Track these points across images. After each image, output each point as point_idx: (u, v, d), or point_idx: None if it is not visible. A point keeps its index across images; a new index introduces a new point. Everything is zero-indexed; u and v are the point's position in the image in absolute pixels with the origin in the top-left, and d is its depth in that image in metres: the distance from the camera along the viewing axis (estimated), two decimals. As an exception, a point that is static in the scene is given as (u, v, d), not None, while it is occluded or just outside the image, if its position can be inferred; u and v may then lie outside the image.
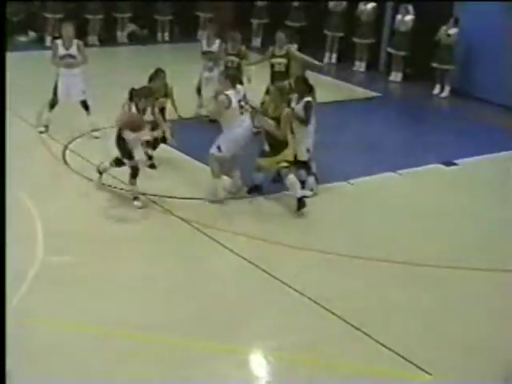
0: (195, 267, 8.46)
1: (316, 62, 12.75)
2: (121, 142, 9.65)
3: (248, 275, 8.37)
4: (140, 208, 9.61)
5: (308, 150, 10.34)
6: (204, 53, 13.34)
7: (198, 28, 20.15)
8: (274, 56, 12.39)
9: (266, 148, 9.98)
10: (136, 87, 9.99)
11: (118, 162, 9.85)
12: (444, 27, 16.28)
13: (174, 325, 7.23)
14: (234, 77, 10.57)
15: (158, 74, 10.88)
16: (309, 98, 10.23)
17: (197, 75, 13.26)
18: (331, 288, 8.17)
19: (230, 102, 9.95)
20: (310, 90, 10.36)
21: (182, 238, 9.12)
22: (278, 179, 10.26)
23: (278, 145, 9.84)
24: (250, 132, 10.22)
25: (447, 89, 16.46)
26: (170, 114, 11.15)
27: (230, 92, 10.02)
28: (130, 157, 9.64)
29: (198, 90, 13.23)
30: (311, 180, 10.43)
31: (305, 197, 9.90)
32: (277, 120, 9.79)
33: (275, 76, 12.24)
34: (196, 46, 15.22)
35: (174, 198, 9.95)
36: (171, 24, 20.17)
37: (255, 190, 10.38)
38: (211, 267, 8.51)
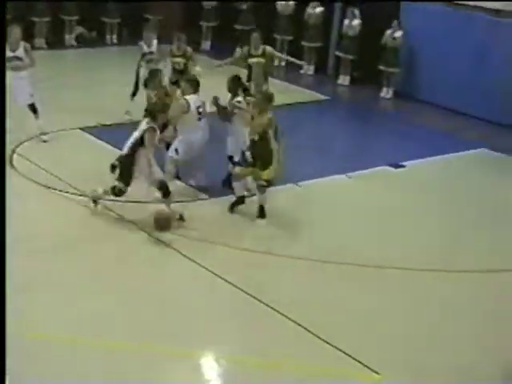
0: (148, 272, 8.44)
1: (298, 61, 12.88)
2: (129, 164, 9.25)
3: (201, 280, 8.38)
4: None
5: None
6: (144, 54, 13.30)
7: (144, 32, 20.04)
8: (251, 56, 12.42)
9: (249, 158, 9.61)
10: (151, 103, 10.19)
11: (118, 191, 9.35)
12: (389, 31, 16.55)
13: (127, 329, 7.22)
14: (195, 82, 10.52)
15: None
16: (239, 98, 10.31)
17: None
18: (282, 290, 8.24)
19: (189, 106, 10.02)
20: (243, 89, 10.52)
21: (135, 243, 9.09)
22: (228, 182, 10.29)
23: (261, 159, 9.52)
24: (206, 137, 10.34)
25: (391, 91, 16.73)
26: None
27: (189, 97, 10.11)
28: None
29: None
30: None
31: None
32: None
33: (254, 76, 12.25)
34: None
35: (126, 201, 9.92)
36: (120, 26, 20.05)
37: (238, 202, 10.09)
38: (164, 272, 8.52)
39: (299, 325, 7.48)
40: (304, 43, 18.41)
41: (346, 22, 17.53)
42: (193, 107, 10.09)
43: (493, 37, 15.23)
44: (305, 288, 8.36)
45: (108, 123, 12.98)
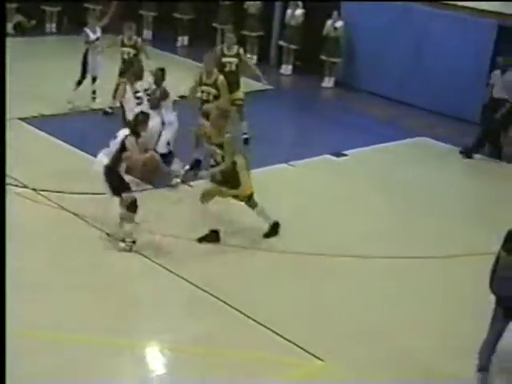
0: (94, 264, 8.39)
1: (260, 74, 12.75)
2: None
3: (146, 270, 8.38)
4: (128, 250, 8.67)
5: (168, 143, 10.70)
6: (89, 42, 13.18)
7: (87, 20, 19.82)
8: (224, 55, 12.35)
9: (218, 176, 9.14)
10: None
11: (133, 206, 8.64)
12: (330, 21, 16.69)
13: (75, 322, 7.19)
14: (135, 72, 10.86)
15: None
16: (165, 88, 10.73)
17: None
18: (226, 280, 8.29)
19: (126, 92, 10.45)
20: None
21: (80, 235, 9.03)
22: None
23: (228, 181, 9.08)
24: (157, 127, 10.43)
25: (332, 80, 16.89)
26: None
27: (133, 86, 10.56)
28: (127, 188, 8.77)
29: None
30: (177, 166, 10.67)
31: None
32: (211, 86, 10.53)
33: (227, 75, 11.91)
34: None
35: (64, 192, 9.83)
36: (60, 15, 19.74)
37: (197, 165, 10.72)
38: (109, 264, 8.47)
39: (243, 313, 7.53)
40: (245, 32, 18.41)
41: (289, 11, 17.62)
42: (129, 94, 10.36)
43: (431, 28, 15.49)
44: (251, 277, 8.41)
45: (49, 113, 12.81)
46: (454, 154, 13.31)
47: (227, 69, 12.19)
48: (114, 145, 8.84)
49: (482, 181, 12.48)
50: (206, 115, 10.04)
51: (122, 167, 8.70)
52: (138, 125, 8.85)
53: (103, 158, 9.00)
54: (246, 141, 12.31)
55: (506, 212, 10.93)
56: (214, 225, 9.05)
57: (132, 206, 8.58)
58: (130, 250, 8.54)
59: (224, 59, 12.26)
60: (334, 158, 12.29)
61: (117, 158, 8.67)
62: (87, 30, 13.47)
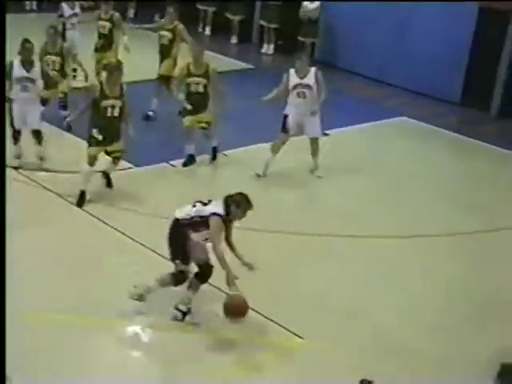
0: (71, 242, 8.41)
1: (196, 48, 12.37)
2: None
3: (119, 246, 8.43)
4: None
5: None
6: (62, 16, 13.14)
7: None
8: (162, 29, 12.38)
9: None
10: None
11: (179, 278, 7.15)
12: (306, 2, 16.69)
13: (50, 301, 7.19)
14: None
15: None
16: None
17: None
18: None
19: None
20: None
21: (57, 213, 9.03)
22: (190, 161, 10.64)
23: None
24: None
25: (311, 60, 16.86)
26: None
27: None
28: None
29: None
30: None
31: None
32: (202, 76, 10.42)
33: (162, 48, 12.37)
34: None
35: (48, 171, 9.83)
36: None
37: (190, 161, 10.66)
38: (87, 242, 8.48)
39: (217, 288, 7.48)
40: (228, 15, 18.37)
41: (269, -10, 17.60)
42: None
43: (413, 9, 15.52)
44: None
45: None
46: (435, 133, 13.42)
47: (162, 41, 12.40)
48: (198, 211, 7.04)
49: (464, 160, 12.57)
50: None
51: (195, 236, 7.03)
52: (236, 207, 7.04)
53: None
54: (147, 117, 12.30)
55: (483, 191, 11.11)
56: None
57: (178, 277, 7.13)
58: (182, 320, 7.21)
59: (161, 32, 12.43)
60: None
61: (196, 222, 7.00)
62: (64, 5, 13.46)
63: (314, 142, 10.93)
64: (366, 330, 7.36)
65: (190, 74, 10.52)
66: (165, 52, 12.41)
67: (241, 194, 7.08)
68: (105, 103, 9.03)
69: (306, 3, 16.77)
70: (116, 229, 8.69)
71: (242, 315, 6.76)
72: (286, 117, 10.84)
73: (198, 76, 10.52)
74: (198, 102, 10.53)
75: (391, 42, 15.97)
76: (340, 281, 8.23)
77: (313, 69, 10.74)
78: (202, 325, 7.15)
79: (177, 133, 11.03)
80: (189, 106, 10.52)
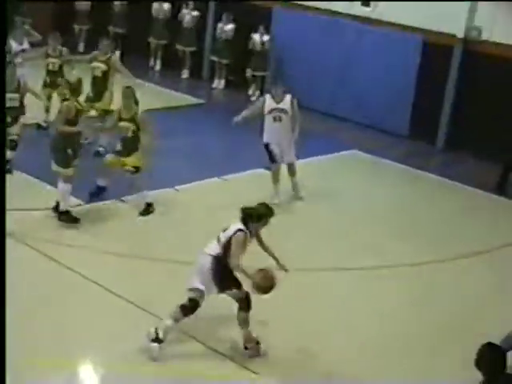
0: (20, 281, 8.32)
1: (134, 80, 12.32)
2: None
3: (72, 284, 8.40)
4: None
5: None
6: (9, 53, 13.05)
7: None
8: (96, 60, 12.42)
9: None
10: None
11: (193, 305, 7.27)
12: (256, 35, 16.94)
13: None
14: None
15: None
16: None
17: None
18: (152, 291, 8.34)
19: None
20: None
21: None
22: (97, 193, 10.52)
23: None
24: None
25: (257, 92, 17.05)
26: None
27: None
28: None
29: None
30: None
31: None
32: (130, 120, 10.22)
33: (95, 80, 12.37)
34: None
35: None
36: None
37: (97, 193, 10.55)
38: (36, 281, 8.42)
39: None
40: (178, 47, 18.51)
41: (220, 25, 17.80)
42: None
43: (360, 42, 15.86)
44: (177, 289, 8.44)
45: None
46: (385, 165, 13.66)
47: (95, 73, 12.42)
48: (225, 236, 7.25)
49: (411, 191, 12.81)
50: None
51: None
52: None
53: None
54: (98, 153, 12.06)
55: (430, 222, 11.34)
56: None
57: (246, 302, 7.27)
58: (259, 355, 7.40)
59: (94, 64, 12.41)
60: (267, 171, 12.43)
61: (225, 248, 7.18)
62: (11, 41, 13.44)
63: (292, 165, 11.45)
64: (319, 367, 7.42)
65: (120, 119, 10.40)
66: (98, 84, 12.38)
67: (259, 206, 7.40)
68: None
69: (255, 36, 17.00)
70: (66, 266, 8.64)
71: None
72: (267, 145, 11.19)
73: (126, 120, 10.32)
74: (127, 145, 10.34)
75: (339, 75, 16.25)
76: (295, 314, 8.26)
77: (288, 96, 11.20)
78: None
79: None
80: (118, 146, 10.44)
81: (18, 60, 13.34)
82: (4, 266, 6.06)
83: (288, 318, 8.16)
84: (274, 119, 11.13)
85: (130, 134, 10.31)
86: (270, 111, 11.12)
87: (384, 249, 10.14)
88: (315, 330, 8.01)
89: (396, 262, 9.71)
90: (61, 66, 12.94)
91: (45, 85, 13.01)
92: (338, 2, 16.02)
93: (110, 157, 10.52)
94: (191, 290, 7.21)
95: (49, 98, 12.99)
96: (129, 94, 10.42)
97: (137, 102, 10.60)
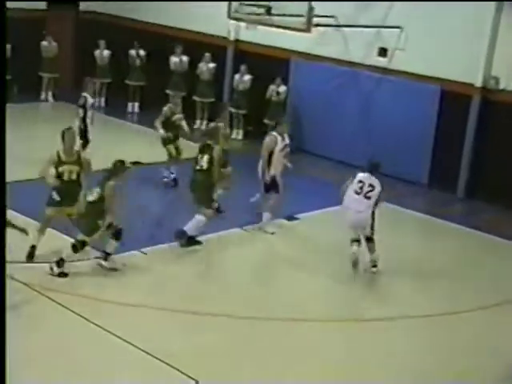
0: (40, 332, 8.29)
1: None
2: None
3: (88, 335, 8.33)
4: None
5: None
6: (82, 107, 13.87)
7: (41, 88, 20.02)
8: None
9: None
10: None
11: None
12: (273, 86, 17.08)
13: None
14: None
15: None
16: None
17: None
18: (171, 343, 8.27)
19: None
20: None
21: (26, 302, 8.91)
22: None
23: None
24: None
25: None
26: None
27: None
28: None
29: None
30: None
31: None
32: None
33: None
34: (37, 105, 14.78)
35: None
36: (10, 83, 19.70)
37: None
38: (57, 333, 8.36)
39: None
40: (196, 98, 18.68)
41: (237, 76, 17.99)
42: None
43: (378, 92, 15.93)
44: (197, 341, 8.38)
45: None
46: (404, 214, 13.58)
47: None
48: None
49: (431, 241, 12.70)
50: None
51: None
52: None
53: None
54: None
55: (450, 272, 11.22)
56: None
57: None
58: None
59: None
60: (286, 221, 12.41)
61: None
62: (86, 95, 14.10)
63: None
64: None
65: (61, 162, 9.84)
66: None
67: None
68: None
69: (272, 87, 17.15)
70: (84, 317, 8.58)
71: None
72: (274, 177, 11.86)
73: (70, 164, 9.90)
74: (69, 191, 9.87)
75: (357, 124, 16.31)
76: (302, 371, 8.10)
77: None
78: None
79: (147, 220, 11.09)
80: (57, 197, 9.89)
81: (89, 115, 13.93)
82: (4, 264, 6.01)
83: (300, 370, 8.05)
84: (284, 156, 11.97)
85: (74, 177, 9.91)
86: (282, 149, 11.86)
87: (400, 299, 10.06)
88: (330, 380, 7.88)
89: (412, 313, 9.59)
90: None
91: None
92: (355, 52, 16.18)
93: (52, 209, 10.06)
94: None
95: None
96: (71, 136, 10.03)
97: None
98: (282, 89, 17.21)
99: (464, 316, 9.71)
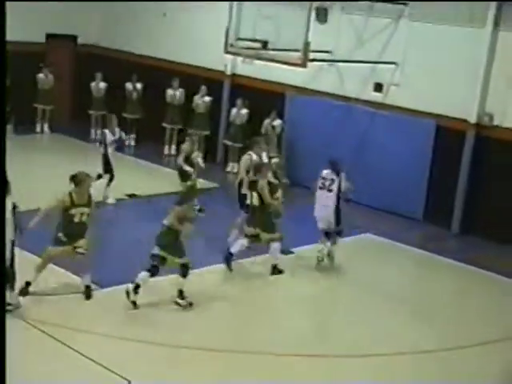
0: (36, 368, 8.22)
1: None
2: None
3: (84, 371, 8.24)
4: None
5: None
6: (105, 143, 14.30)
7: (37, 120, 20.09)
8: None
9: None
10: None
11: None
12: (268, 120, 17.17)
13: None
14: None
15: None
16: None
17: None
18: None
19: None
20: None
21: (19, 336, 8.86)
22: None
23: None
24: None
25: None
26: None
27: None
28: None
29: None
30: None
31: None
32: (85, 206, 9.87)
33: None
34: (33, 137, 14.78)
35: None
36: (7, 115, 19.74)
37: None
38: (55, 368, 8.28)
39: None
40: (192, 131, 18.73)
41: (234, 110, 18.08)
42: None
43: (373, 127, 16.03)
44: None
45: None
46: (399, 249, 13.60)
47: None
48: None
49: (426, 276, 12.70)
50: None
51: None
52: None
53: None
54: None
55: (444, 308, 11.21)
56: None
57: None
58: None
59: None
60: (281, 255, 12.39)
61: None
62: (105, 131, 14.50)
63: None
64: None
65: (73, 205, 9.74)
66: None
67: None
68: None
69: (268, 121, 17.25)
70: (81, 353, 8.52)
71: None
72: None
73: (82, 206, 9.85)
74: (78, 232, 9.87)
75: (352, 159, 16.31)
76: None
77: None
78: None
79: (141, 254, 11.06)
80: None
81: (110, 151, 14.28)
82: (4, 264, 6.02)
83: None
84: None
85: (84, 219, 9.85)
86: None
87: (397, 334, 10.00)
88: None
89: (407, 349, 9.52)
90: None
91: None
92: (351, 87, 16.31)
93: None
94: None
95: None
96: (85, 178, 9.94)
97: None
98: (277, 122, 17.31)
99: (461, 352, 9.67)
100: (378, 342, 9.68)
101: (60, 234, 9.82)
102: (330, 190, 11.89)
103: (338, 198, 11.90)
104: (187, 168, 14.05)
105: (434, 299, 11.57)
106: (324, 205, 11.89)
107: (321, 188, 11.96)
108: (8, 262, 8.82)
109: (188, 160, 14.17)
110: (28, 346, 8.69)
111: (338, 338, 9.75)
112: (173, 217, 9.95)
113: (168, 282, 10.46)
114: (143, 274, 9.83)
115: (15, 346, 8.55)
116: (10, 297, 9.09)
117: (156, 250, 9.90)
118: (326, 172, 12.02)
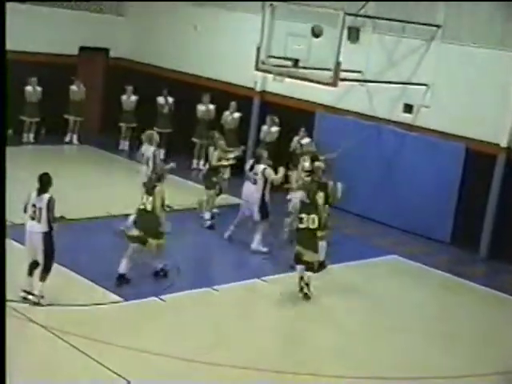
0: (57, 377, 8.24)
1: None
2: None
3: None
4: None
5: None
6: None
7: (67, 130, 20.25)
8: None
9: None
10: None
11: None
12: (296, 137, 17.13)
13: None
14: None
15: None
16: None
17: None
18: None
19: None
20: None
21: (42, 346, 8.88)
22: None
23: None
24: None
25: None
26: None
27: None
28: None
29: None
30: None
31: None
32: None
33: None
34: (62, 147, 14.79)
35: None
36: (38, 125, 19.97)
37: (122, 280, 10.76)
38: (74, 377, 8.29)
39: None
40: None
41: (265, 128, 18.04)
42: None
43: (402, 149, 15.95)
44: None
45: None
46: (426, 272, 13.48)
47: None
48: None
49: (452, 301, 12.57)
50: None
51: None
52: None
53: None
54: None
55: (470, 333, 11.05)
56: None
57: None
58: None
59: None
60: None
61: None
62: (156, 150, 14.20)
63: None
64: None
65: None
66: None
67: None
68: None
69: (296, 139, 17.18)
70: (103, 364, 8.52)
71: None
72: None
73: None
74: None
75: (380, 179, 16.28)
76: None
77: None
78: None
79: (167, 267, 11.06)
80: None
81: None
82: (4, 264, 6.19)
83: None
84: None
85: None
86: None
87: (419, 359, 9.88)
88: None
89: (432, 374, 9.42)
90: None
91: None
92: (380, 107, 16.26)
93: None
94: None
95: None
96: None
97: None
98: (306, 141, 17.17)
99: (484, 380, 9.53)
100: (400, 366, 9.57)
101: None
102: (254, 183, 13.46)
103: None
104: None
105: (459, 324, 11.42)
106: (247, 195, 13.61)
107: (248, 179, 13.71)
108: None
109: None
110: (50, 355, 8.72)
111: (358, 359, 9.65)
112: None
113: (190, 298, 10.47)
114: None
115: (38, 355, 8.66)
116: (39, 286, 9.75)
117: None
118: (250, 164, 13.83)
